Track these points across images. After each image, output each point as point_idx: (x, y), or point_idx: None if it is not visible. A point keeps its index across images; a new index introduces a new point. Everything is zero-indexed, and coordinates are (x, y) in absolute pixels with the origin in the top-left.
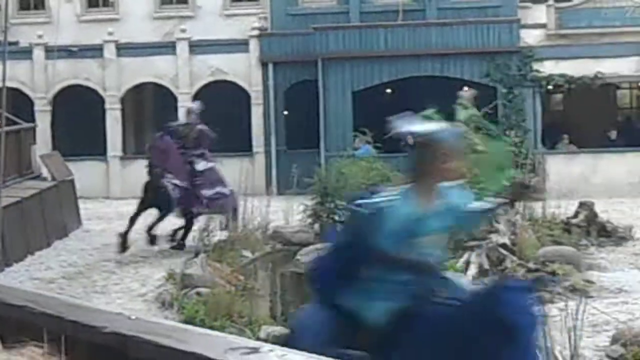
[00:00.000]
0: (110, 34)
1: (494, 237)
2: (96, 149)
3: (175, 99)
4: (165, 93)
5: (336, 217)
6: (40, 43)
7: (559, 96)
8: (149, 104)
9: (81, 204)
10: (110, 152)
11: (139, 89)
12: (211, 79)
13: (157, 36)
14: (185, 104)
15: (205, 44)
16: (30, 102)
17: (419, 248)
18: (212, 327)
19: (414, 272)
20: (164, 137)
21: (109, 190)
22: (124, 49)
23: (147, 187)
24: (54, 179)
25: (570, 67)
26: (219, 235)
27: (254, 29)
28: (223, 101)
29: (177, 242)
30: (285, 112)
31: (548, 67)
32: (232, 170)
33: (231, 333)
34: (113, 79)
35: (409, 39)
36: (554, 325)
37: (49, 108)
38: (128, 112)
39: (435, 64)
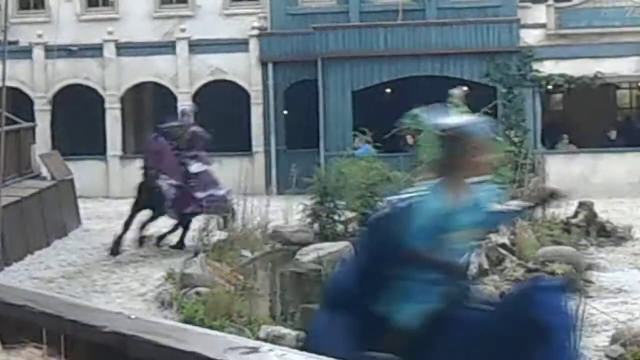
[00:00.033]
0: (110, 33)
1: (494, 237)
2: (96, 148)
3: (175, 99)
4: (165, 92)
5: (335, 217)
6: (40, 42)
7: (558, 96)
8: (149, 103)
9: (81, 204)
10: (109, 152)
11: (138, 88)
12: (211, 78)
13: (156, 36)
14: (185, 103)
15: (205, 43)
16: (30, 102)
17: (449, 244)
18: (211, 327)
19: (445, 273)
20: (158, 138)
21: (109, 190)
22: (123, 49)
23: (141, 188)
24: (53, 178)
25: (570, 67)
26: (219, 235)
27: (253, 28)
28: (223, 101)
29: (177, 242)
30: (285, 112)
31: (548, 67)
32: (231, 170)
33: (230, 333)
34: (113, 79)
35: (409, 39)
36: None
37: (48, 107)
38: (128, 112)
39: (435, 63)
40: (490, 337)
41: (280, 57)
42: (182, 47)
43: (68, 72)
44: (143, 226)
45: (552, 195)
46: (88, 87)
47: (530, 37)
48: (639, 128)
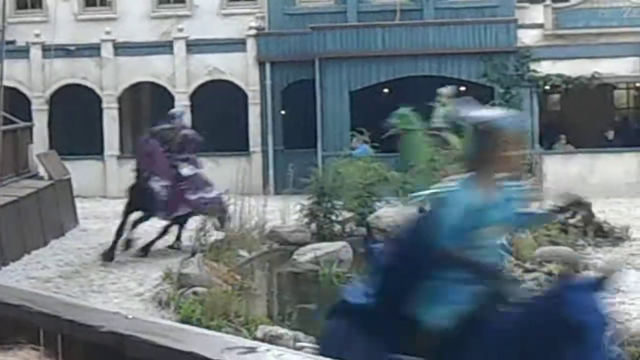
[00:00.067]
0: (107, 33)
1: None
2: (93, 148)
3: (172, 99)
4: (162, 92)
5: (333, 217)
6: (37, 42)
7: (556, 96)
8: (146, 103)
9: (78, 203)
10: (107, 152)
11: (136, 88)
12: (208, 78)
13: (154, 35)
14: (177, 107)
15: (203, 43)
16: (27, 101)
17: (480, 242)
18: (208, 327)
19: (477, 273)
20: (149, 140)
21: (106, 190)
22: (121, 48)
23: (133, 189)
24: (50, 178)
25: (567, 67)
26: (215, 236)
27: (251, 28)
28: (220, 100)
29: (174, 242)
30: (283, 112)
31: (545, 67)
32: (229, 170)
33: (228, 332)
34: (110, 78)
35: (407, 39)
36: None
37: (46, 107)
38: (125, 112)
39: (433, 63)
40: (522, 337)
41: (277, 57)
42: (179, 47)
43: (65, 71)
44: (134, 226)
45: (576, 203)
46: (85, 87)
47: (527, 38)
48: (637, 128)
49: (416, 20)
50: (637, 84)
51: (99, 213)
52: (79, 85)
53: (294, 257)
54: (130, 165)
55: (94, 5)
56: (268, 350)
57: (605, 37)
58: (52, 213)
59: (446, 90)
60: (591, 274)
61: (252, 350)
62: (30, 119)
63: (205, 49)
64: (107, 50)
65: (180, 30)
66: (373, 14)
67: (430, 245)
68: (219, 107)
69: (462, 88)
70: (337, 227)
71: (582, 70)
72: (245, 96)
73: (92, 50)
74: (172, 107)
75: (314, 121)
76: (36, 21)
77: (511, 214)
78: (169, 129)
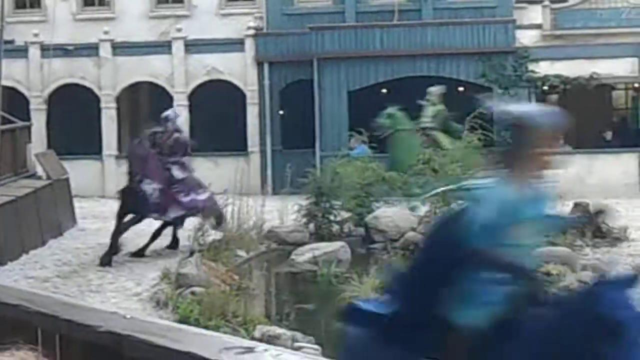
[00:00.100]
0: (106, 32)
1: None
2: (91, 147)
3: (170, 98)
4: (160, 92)
5: (331, 217)
6: (35, 42)
7: (554, 97)
8: (145, 103)
9: (76, 203)
10: (105, 151)
11: (134, 88)
12: (207, 78)
13: (152, 35)
14: (181, 103)
15: (201, 43)
16: (25, 101)
17: (513, 240)
18: (206, 327)
19: (511, 273)
20: (142, 142)
21: (104, 189)
22: (119, 48)
23: (125, 192)
24: (49, 177)
25: (565, 67)
26: (213, 235)
27: (249, 28)
28: (218, 100)
29: (171, 243)
30: (281, 112)
31: (543, 68)
32: (227, 170)
33: (226, 333)
34: (109, 78)
35: (405, 39)
36: None
37: (44, 107)
38: (123, 111)
39: (431, 64)
40: (557, 337)
41: (276, 57)
42: (178, 47)
43: (64, 71)
44: (124, 229)
45: (601, 212)
46: (84, 87)
47: (526, 38)
48: (635, 129)
49: (414, 20)
50: (636, 85)
51: (97, 213)
52: (77, 85)
53: (292, 257)
54: None
55: (93, 5)
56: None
57: (604, 38)
58: (50, 213)
59: (435, 89)
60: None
61: (250, 350)
62: (28, 119)
63: (203, 49)
64: (105, 50)
65: (179, 30)
66: (371, 14)
67: (462, 244)
68: (218, 107)
69: (461, 88)
70: (336, 227)
71: (580, 70)
72: (243, 96)
73: (91, 50)
74: (171, 106)
75: (312, 121)
76: (35, 21)
77: (543, 214)
78: (161, 131)
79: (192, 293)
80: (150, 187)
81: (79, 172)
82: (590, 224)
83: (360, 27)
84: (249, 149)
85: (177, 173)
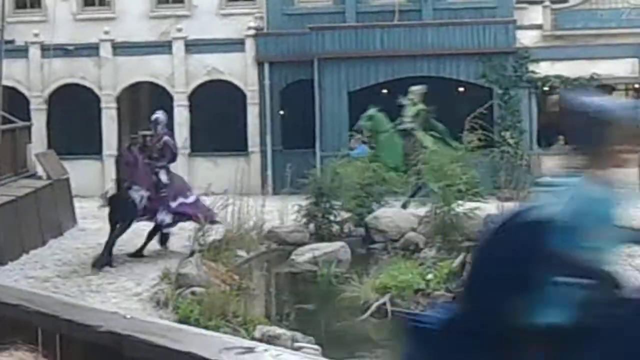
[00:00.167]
0: (106, 32)
1: None
2: (92, 147)
3: (171, 99)
4: (161, 92)
5: (331, 217)
6: (36, 42)
7: (554, 97)
8: (145, 103)
9: (76, 203)
10: (105, 151)
11: (134, 88)
12: (207, 78)
13: (153, 35)
14: (181, 103)
15: (201, 43)
16: (26, 101)
17: (594, 243)
18: (206, 327)
19: (592, 277)
20: (131, 148)
21: (105, 189)
22: (120, 48)
23: (113, 200)
24: (49, 177)
25: (566, 68)
26: (214, 235)
27: (250, 28)
28: (219, 101)
29: (160, 239)
30: (281, 112)
31: (544, 68)
32: (227, 170)
33: (226, 333)
34: (109, 78)
35: (405, 40)
36: None
37: (44, 107)
38: (124, 111)
39: (431, 64)
40: (633, 337)
41: (276, 57)
42: (178, 47)
43: (64, 71)
44: (116, 238)
45: None
46: (84, 87)
47: (526, 38)
48: None
49: (415, 20)
50: (636, 85)
51: (98, 213)
52: (77, 85)
53: (292, 257)
54: None
55: (93, 5)
56: (266, 350)
57: (604, 39)
58: (50, 213)
59: (417, 88)
60: None
61: (250, 350)
62: (28, 119)
63: (204, 49)
64: (105, 50)
65: (179, 30)
66: (372, 14)
67: (538, 246)
68: (218, 107)
69: (461, 89)
70: (336, 228)
71: (580, 71)
72: (244, 96)
73: (91, 50)
74: (171, 107)
75: (313, 121)
76: (35, 21)
77: (619, 214)
78: (151, 135)
79: (192, 293)
80: (139, 194)
81: (79, 172)
82: None
83: (361, 28)
84: (249, 149)
85: (165, 177)
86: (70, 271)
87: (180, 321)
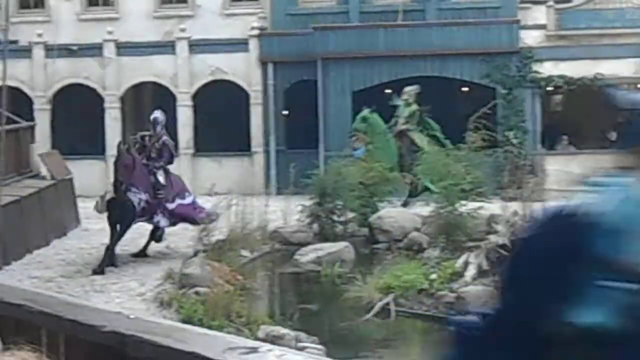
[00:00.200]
0: (110, 33)
1: (493, 238)
2: (95, 147)
3: (174, 99)
4: (164, 92)
5: (335, 217)
6: (39, 42)
7: (558, 97)
8: (149, 103)
9: (80, 203)
10: (109, 151)
11: (138, 88)
12: (211, 78)
13: (156, 35)
14: (185, 103)
15: (205, 43)
16: (29, 101)
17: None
18: (210, 327)
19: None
20: (129, 150)
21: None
22: (123, 48)
23: (112, 204)
24: (53, 177)
25: (569, 68)
26: (218, 235)
27: (253, 28)
28: (222, 101)
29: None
30: (285, 112)
31: (547, 68)
32: (231, 170)
33: (229, 333)
34: (113, 78)
35: (409, 40)
36: None
37: (48, 107)
38: (127, 111)
39: (435, 64)
40: None
41: (280, 57)
42: (182, 47)
43: (68, 71)
44: (116, 242)
45: None
46: (88, 87)
47: (530, 38)
48: None
49: (418, 20)
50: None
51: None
52: (81, 85)
53: (296, 257)
54: None
55: (97, 5)
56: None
57: (608, 38)
58: (54, 213)
59: (410, 89)
60: None
61: (254, 350)
62: (32, 119)
63: (207, 49)
64: (109, 50)
65: (183, 30)
66: (375, 14)
67: (584, 247)
68: (222, 107)
69: (465, 89)
70: (339, 228)
71: (584, 71)
72: (247, 96)
73: (95, 50)
74: (174, 107)
75: (316, 121)
76: (39, 21)
77: None
78: (149, 135)
79: (196, 293)
80: (137, 197)
81: (83, 172)
82: None
83: (364, 28)
84: (253, 149)
85: (162, 178)
86: (74, 271)
87: (184, 321)
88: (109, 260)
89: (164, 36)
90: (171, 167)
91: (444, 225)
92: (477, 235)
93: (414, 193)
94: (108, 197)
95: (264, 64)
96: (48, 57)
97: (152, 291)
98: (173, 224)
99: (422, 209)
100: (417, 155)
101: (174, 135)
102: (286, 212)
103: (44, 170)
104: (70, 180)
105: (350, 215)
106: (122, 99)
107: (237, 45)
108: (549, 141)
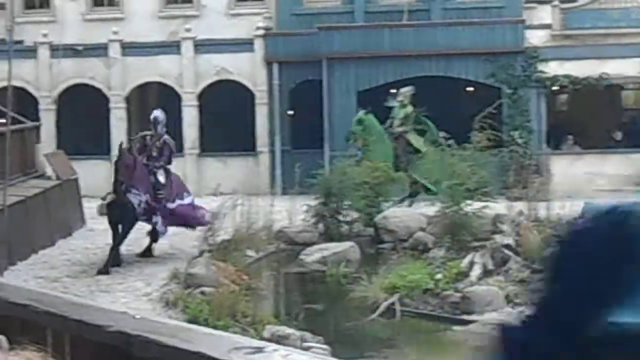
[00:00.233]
0: (115, 33)
1: (498, 238)
2: (100, 148)
3: (180, 99)
4: (170, 92)
5: (340, 217)
6: (45, 42)
7: (563, 97)
8: (154, 103)
9: (85, 203)
10: (114, 152)
11: (143, 88)
12: (216, 78)
13: (162, 35)
14: (190, 103)
15: (210, 43)
16: (34, 101)
17: None
18: (216, 327)
19: None
20: (131, 150)
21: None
22: (128, 48)
23: (111, 206)
24: (58, 178)
25: (575, 68)
26: (223, 235)
27: (258, 28)
28: (228, 101)
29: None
30: (290, 112)
31: (553, 68)
32: (236, 170)
33: (235, 333)
34: (118, 78)
35: (414, 39)
36: None
37: (53, 107)
38: (133, 112)
39: (440, 64)
40: None
41: (285, 57)
42: (187, 47)
43: (73, 71)
44: (120, 243)
45: None
46: (93, 87)
47: (535, 38)
48: None
49: (423, 20)
50: None
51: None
52: (86, 85)
53: (301, 257)
54: None
55: (102, 5)
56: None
57: (613, 38)
58: (59, 213)
59: (405, 90)
60: None
61: (259, 350)
62: (37, 119)
63: (212, 49)
64: (114, 50)
65: (188, 30)
66: (380, 14)
67: (637, 247)
68: (227, 107)
69: (470, 88)
70: (345, 227)
71: (589, 70)
72: (252, 96)
73: (100, 50)
74: (179, 107)
75: (322, 121)
76: (44, 21)
77: None
78: (151, 134)
79: (202, 293)
80: (137, 199)
81: (88, 172)
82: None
83: (370, 27)
84: (258, 149)
85: (162, 178)
86: (80, 271)
87: (190, 321)
88: (113, 261)
89: (169, 36)
90: (177, 167)
91: (450, 225)
92: (482, 235)
93: (413, 194)
94: (108, 199)
95: (269, 64)
96: (53, 57)
97: (157, 291)
98: (172, 224)
99: (428, 208)
100: (413, 156)
101: (179, 135)
102: (291, 212)
103: (49, 171)
104: (76, 180)
105: (356, 215)
106: (128, 99)
107: (243, 45)
108: (555, 141)
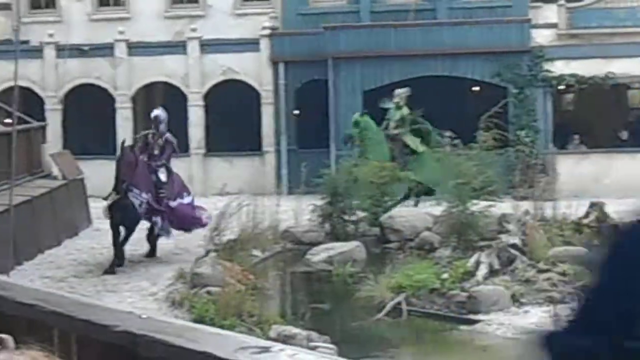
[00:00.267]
0: (121, 33)
1: (504, 237)
2: (107, 147)
3: (185, 99)
4: (176, 92)
5: (346, 217)
6: (51, 42)
7: (569, 96)
8: (160, 103)
9: (91, 203)
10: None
11: (149, 88)
12: (222, 78)
13: (168, 35)
14: (196, 103)
15: (216, 43)
16: (41, 101)
17: None
18: (222, 327)
19: None
20: (133, 149)
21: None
22: (134, 48)
23: (113, 207)
24: (64, 177)
25: (581, 67)
26: (229, 235)
27: (264, 28)
28: (234, 100)
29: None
30: (296, 112)
31: (559, 67)
32: (242, 170)
33: (241, 332)
34: (124, 78)
35: (420, 39)
36: None
37: (59, 107)
38: (139, 111)
39: (446, 63)
40: None
41: (291, 56)
42: (193, 47)
43: (79, 71)
44: (124, 243)
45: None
46: (99, 87)
47: (541, 37)
48: None
49: (429, 20)
50: None
51: None
52: (92, 85)
53: (308, 256)
54: None
55: (108, 5)
56: (282, 350)
57: (619, 37)
58: (65, 213)
59: (401, 91)
60: None
61: (265, 349)
62: (43, 119)
63: (218, 49)
64: (120, 50)
65: (194, 30)
66: (386, 13)
67: None
68: (233, 107)
69: (476, 88)
70: (351, 227)
71: (595, 70)
72: (258, 96)
73: (106, 50)
74: (185, 107)
75: (327, 121)
76: (50, 21)
77: None
78: (152, 133)
79: (208, 293)
80: (138, 200)
81: (95, 172)
82: (584, 216)
83: (375, 27)
84: (264, 149)
85: (164, 177)
86: (86, 271)
87: (196, 321)
88: (117, 261)
89: (175, 36)
90: (183, 167)
91: (456, 225)
92: (488, 234)
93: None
94: (110, 199)
95: (275, 63)
96: (59, 57)
97: (163, 291)
98: (170, 225)
99: (434, 208)
100: (409, 158)
101: (185, 135)
102: (297, 212)
103: (55, 170)
104: (82, 180)
105: (362, 214)
106: (134, 99)
107: (248, 45)
108: (561, 140)
